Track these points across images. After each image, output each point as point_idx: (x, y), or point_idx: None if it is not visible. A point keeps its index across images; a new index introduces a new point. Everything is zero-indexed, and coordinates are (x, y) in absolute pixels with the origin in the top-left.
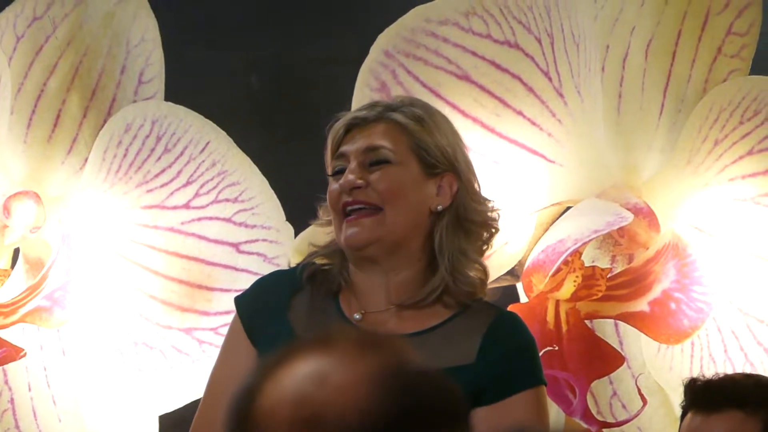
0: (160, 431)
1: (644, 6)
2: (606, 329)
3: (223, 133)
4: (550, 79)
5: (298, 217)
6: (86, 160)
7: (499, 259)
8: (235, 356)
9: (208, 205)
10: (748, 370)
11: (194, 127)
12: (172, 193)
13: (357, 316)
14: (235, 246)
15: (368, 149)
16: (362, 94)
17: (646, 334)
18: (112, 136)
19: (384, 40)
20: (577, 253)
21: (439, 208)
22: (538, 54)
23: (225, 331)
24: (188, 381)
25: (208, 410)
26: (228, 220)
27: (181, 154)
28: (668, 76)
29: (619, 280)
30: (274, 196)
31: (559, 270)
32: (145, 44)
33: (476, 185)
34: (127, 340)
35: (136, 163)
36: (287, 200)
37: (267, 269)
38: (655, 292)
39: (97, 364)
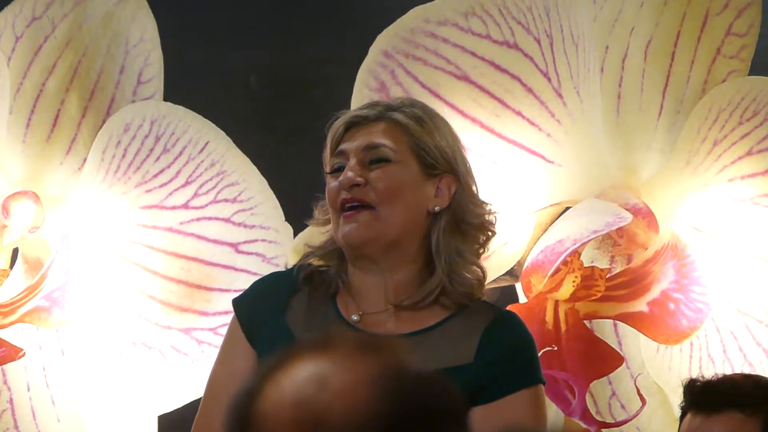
0: (159, 431)
1: (643, 7)
2: (605, 329)
3: (222, 133)
4: (549, 80)
5: (297, 217)
6: (85, 160)
7: (498, 259)
8: (234, 357)
9: (207, 205)
10: (747, 371)
11: (193, 127)
12: (171, 193)
13: (355, 317)
14: (234, 246)
15: (368, 147)
16: (361, 95)
17: (645, 335)
18: (111, 136)
19: (383, 40)
20: (576, 253)
21: (437, 208)
22: (537, 54)
23: (224, 331)
24: (187, 381)
25: (208, 412)
26: (227, 220)
27: (180, 154)
28: (667, 77)
29: (618, 281)
30: (273, 196)
31: (558, 270)
32: (144, 44)
33: (474, 188)
34: (126, 340)
35: (135, 163)
36: (286, 200)
37: (266, 269)
38: (654, 293)
39: (96, 364)
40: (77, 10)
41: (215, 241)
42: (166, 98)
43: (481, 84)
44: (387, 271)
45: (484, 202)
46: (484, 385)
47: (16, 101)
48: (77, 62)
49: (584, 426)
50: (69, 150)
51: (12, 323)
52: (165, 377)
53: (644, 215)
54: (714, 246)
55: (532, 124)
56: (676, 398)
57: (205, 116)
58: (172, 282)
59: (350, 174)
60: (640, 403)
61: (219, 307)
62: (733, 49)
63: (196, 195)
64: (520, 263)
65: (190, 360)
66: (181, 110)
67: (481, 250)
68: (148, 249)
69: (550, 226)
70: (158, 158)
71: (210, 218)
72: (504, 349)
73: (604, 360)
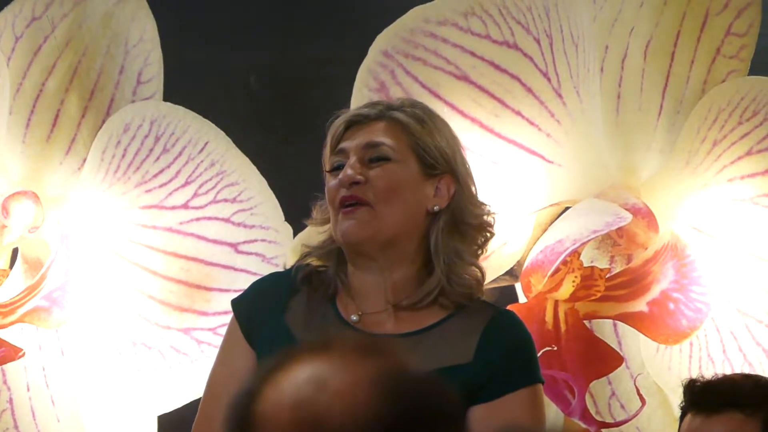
0: (159, 431)
1: (643, 7)
2: (605, 329)
3: (222, 133)
4: (548, 80)
5: (297, 217)
6: (85, 160)
7: (497, 259)
8: (234, 358)
9: (206, 205)
10: (747, 371)
11: (193, 128)
12: (170, 194)
13: (354, 317)
14: (234, 246)
15: (368, 145)
16: (361, 95)
17: (645, 335)
18: (111, 137)
19: (383, 40)
20: (576, 253)
21: (436, 208)
22: (536, 54)
23: (224, 331)
24: (187, 381)
25: (207, 413)
26: (227, 220)
27: (180, 154)
28: (667, 77)
29: (617, 281)
30: (273, 196)
31: (557, 270)
32: (143, 44)
33: (474, 189)
34: (125, 340)
35: (135, 163)
36: (286, 200)
37: (266, 269)
38: (654, 293)
39: (95, 364)
40: (77, 10)
41: (215, 241)
42: (165, 98)
43: (481, 84)
44: (386, 270)
45: (483, 204)
46: (483, 384)
47: (15, 101)
48: (77, 62)
49: (584, 426)
50: (69, 150)
51: (12, 323)
52: (165, 377)
53: (644, 215)
54: (714, 246)
55: (532, 124)
56: (676, 398)
57: (205, 116)
58: (172, 282)
59: (350, 171)
60: (640, 403)
61: (219, 307)
62: (733, 49)
63: (195, 195)
64: (519, 263)
65: (189, 360)
66: (180, 110)
67: (479, 252)
68: (147, 249)
69: (549, 226)
70: (158, 158)
71: (210, 218)
72: (503, 349)
73: (604, 360)
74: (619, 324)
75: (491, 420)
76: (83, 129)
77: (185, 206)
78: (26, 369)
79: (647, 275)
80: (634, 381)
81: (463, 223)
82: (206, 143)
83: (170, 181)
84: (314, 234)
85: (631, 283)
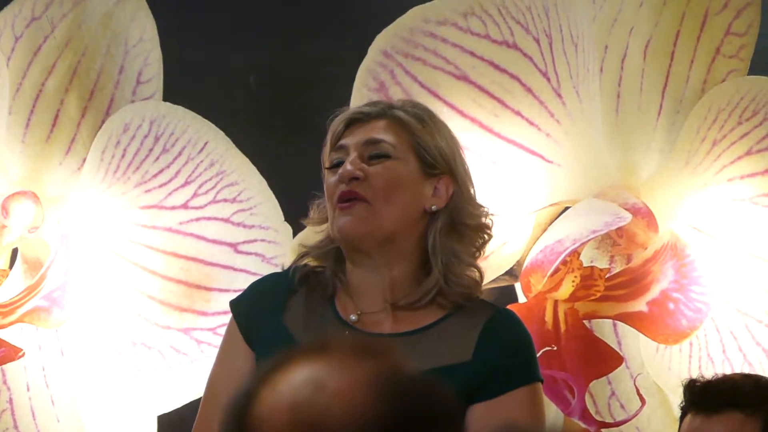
0: (159, 431)
1: (643, 7)
2: (604, 329)
3: (222, 133)
4: (548, 80)
5: (297, 217)
6: (84, 160)
7: (497, 259)
8: (233, 359)
9: (206, 205)
10: (747, 371)
11: (192, 128)
12: (170, 194)
13: (353, 317)
14: (234, 246)
15: (369, 142)
16: (361, 95)
17: (645, 335)
18: (111, 137)
19: (382, 40)
20: (576, 253)
21: (434, 208)
22: (536, 54)
23: (223, 331)
24: (187, 381)
25: (207, 413)
26: (226, 220)
27: (180, 154)
28: (667, 77)
29: (617, 281)
30: (273, 196)
31: (557, 270)
32: (143, 44)
33: (472, 191)
34: (125, 340)
35: (135, 163)
36: (286, 200)
37: (265, 269)
38: (654, 293)
39: (95, 364)
40: (76, 10)
41: (214, 241)
42: (165, 98)
43: (481, 84)
44: (384, 267)
45: (481, 206)
46: (482, 383)
47: (15, 101)
48: (76, 62)
49: (584, 426)
50: (68, 150)
51: (11, 323)
52: (164, 377)
53: (643, 215)
54: (713, 246)
55: (532, 123)
56: (676, 398)
57: (205, 116)
58: (172, 282)
59: (349, 167)
60: (640, 403)
61: (218, 307)
62: (733, 49)
63: (195, 195)
64: (519, 263)
65: (189, 360)
66: (180, 110)
67: (477, 254)
68: (147, 249)
69: (549, 226)
70: (157, 158)
71: (209, 218)
72: (502, 348)
73: (604, 360)
74: (619, 324)
75: (490, 419)
76: (83, 129)
77: (185, 206)
78: (26, 369)
79: (647, 275)
80: (634, 381)
81: (461, 224)
82: (206, 143)
83: (170, 181)
84: (314, 234)
85: (631, 283)
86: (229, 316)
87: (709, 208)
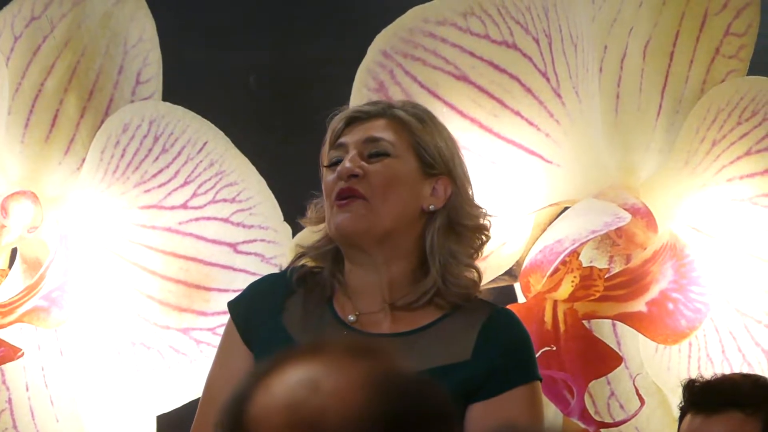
0: (158, 431)
1: (642, 7)
2: (604, 329)
3: (221, 133)
4: (548, 80)
5: (296, 217)
6: (84, 160)
7: (496, 259)
8: (231, 360)
9: (205, 205)
10: (746, 371)
11: (192, 128)
12: (169, 194)
13: (351, 317)
14: (233, 246)
15: (368, 140)
16: (360, 95)
17: (644, 335)
18: (110, 137)
19: (382, 40)
20: (575, 253)
21: (432, 208)
22: (536, 54)
23: (222, 331)
24: (186, 381)
25: (206, 415)
26: (226, 220)
27: (179, 154)
28: (666, 77)
29: (616, 281)
30: (272, 196)
31: (556, 270)
32: (142, 44)
33: (470, 192)
34: (124, 340)
35: (134, 163)
36: (285, 200)
37: (265, 269)
38: (653, 293)
39: (94, 364)
40: (76, 10)
41: (214, 241)
42: (164, 98)
43: (480, 84)
44: (382, 266)
45: (479, 207)
46: (481, 382)
47: (14, 101)
48: (76, 62)
49: (583, 426)
50: (67, 150)
51: (11, 323)
52: (164, 377)
53: (643, 215)
54: (713, 246)
55: (531, 124)
56: (675, 398)
57: (204, 116)
58: (171, 282)
59: (348, 164)
60: (639, 403)
61: (217, 307)
62: (732, 49)
63: (194, 195)
64: (518, 263)
65: (188, 360)
66: (179, 110)
67: (475, 255)
68: (146, 249)
69: (548, 226)
70: (157, 158)
71: (209, 218)
72: (501, 347)
73: (603, 360)
74: (618, 324)
75: (489, 418)
76: (82, 129)
77: (184, 206)
78: (25, 369)
79: (646, 275)
80: (633, 381)
81: (459, 224)
82: (205, 143)
83: (169, 181)
84: (312, 234)
85: (630, 283)
86: (228, 316)
87: (709, 208)
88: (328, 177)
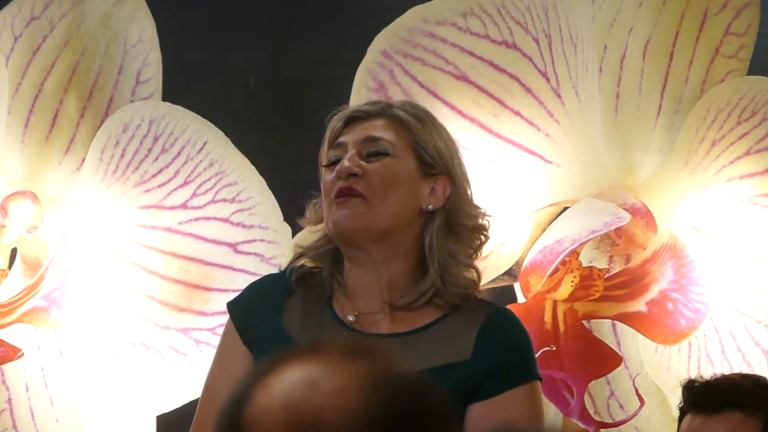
0: (158, 431)
1: (642, 7)
2: (603, 329)
3: (221, 133)
4: (547, 80)
5: (296, 217)
6: (83, 160)
7: (496, 259)
8: (231, 360)
9: (205, 205)
10: (746, 371)
11: (192, 127)
12: (169, 194)
13: (351, 317)
14: (233, 246)
15: (368, 139)
16: (360, 95)
17: (644, 335)
18: (110, 136)
19: (382, 40)
20: (575, 253)
21: (430, 207)
22: (535, 54)
23: (222, 331)
24: (186, 381)
25: (205, 416)
26: (225, 220)
27: (179, 154)
28: (666, 77)
29: (616, 281)
30: (272, 196)
31: (556, 270)
32: (142, 44)
33: (469, 192)
34: (124, 340)
35: (134, 163)
36: (285, 200)
37: (264, 269)
38: (653, 293)
39: (94, 364)
40: (76, 9)
41: (214, 241)
42: (164, 98)
43: (480, 84)
44: (381, 265)
45: (478, 207)
46: (481, 381)
47: (14, 101)
48: (76, 62)
49: (583, 426)
50: (67, 150)
51: (11, 323)
52: (163, 377)
53: (643, 215)
54: (712, 246)
55: (531, 124)
56: (675, 398)
57: (204, 116)
58: (171, 282)
59: (347, 163)
60: (639, 404)
61: (217, 307)
62: (732, 49)
63: (194, 195)
64: (518, 263)
65: (188, 360)
66: (179, 110)
67: (474, 255)
68: (146, 249)
69: (548, 226)
70: (157, 158)
71: (208, 218)
72: (501, 347)
73: (603, 360)
74: (618, 324)
75: (489, 417)
76: (82, 129)
77: (184, 206)
78: (25, 369)
79: (646, 275)
80: (633, 381)
81: (458, 224)
82: (205, 143)
83: (169, 181)
84: (310, 234)
85: (630, 283)
86: (228, 316)
87: (708, 208)
88: (327, 176)
